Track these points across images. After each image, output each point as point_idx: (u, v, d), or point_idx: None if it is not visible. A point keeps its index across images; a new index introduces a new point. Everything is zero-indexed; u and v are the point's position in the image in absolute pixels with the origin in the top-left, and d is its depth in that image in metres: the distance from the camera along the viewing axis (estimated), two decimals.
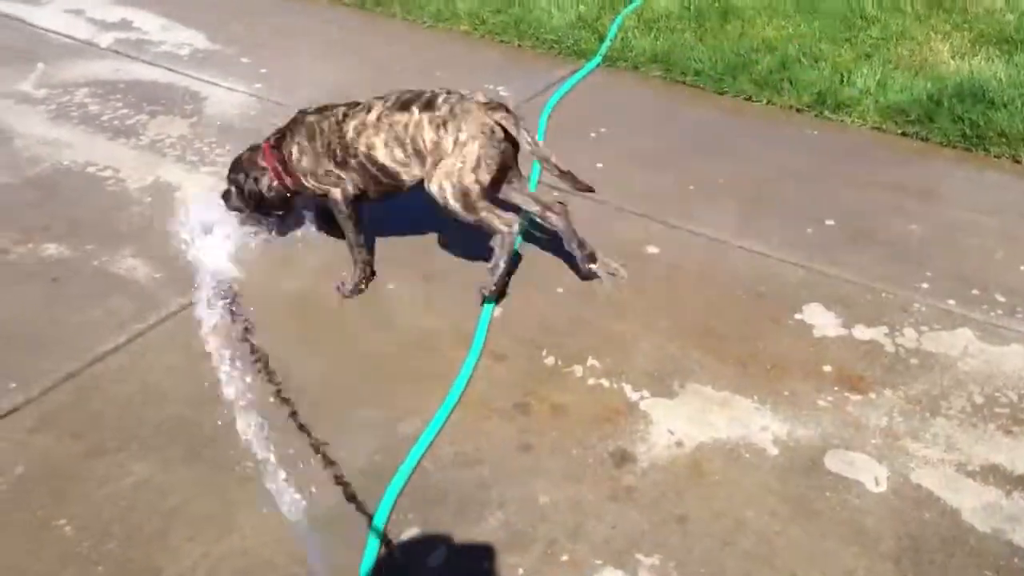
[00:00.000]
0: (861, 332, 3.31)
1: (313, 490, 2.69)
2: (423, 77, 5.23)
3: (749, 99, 4.99)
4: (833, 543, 2.55)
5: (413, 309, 3.44)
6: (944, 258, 3.69)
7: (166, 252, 3.71)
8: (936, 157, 4.46)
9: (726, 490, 2.71)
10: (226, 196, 3.76)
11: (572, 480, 2.74)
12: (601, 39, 5.54)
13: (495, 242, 3.41)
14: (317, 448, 2.83)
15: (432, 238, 3.81)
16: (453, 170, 3.28)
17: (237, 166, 3.70)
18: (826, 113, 4.81)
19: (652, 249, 3.76)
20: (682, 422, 2.95)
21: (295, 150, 3.54)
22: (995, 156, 4.41)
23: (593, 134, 4.65)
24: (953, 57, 5.19)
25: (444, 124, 3.29)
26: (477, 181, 3.30)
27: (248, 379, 3.09)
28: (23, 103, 4.90)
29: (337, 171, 3.48)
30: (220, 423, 2.92)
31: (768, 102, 4.95)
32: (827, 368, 3.16)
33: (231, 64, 5.39)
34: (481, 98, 3.35)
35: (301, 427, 2.91)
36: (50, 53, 5.51)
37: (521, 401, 3.03)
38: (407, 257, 3.71)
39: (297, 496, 2.67)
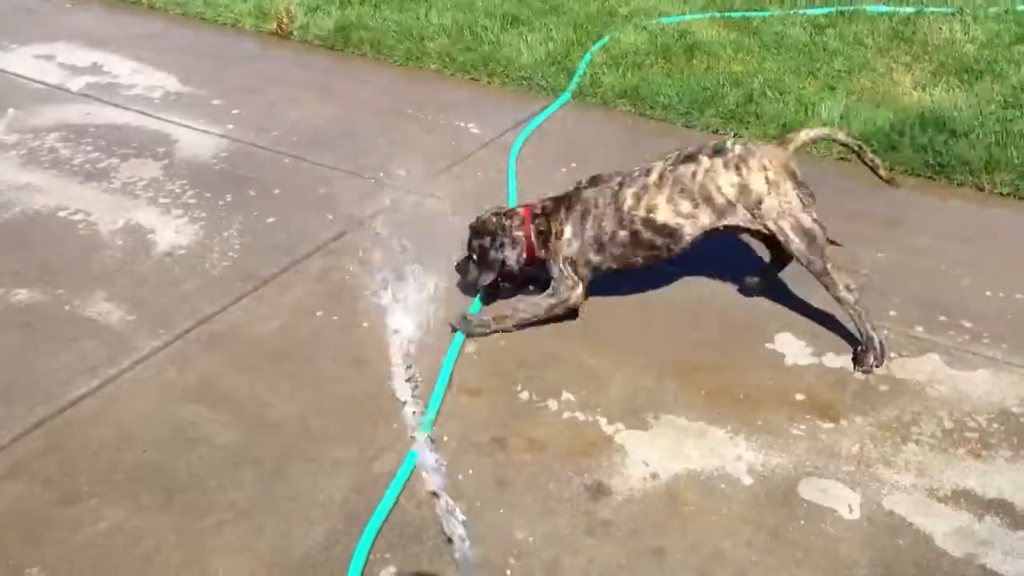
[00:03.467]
0: (831, 360, 3.35)
1: (291, 532, 2.68)
2: (394, 115, 5.29)
3: (717, 132, 5.06)
4: (808, 571, 2.56)
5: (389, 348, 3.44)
6: (911, 285, 3.75)
7: (138, 295, 3.70)
8: (901, 186, 4.51)
9: (702, 521, 2.72)
10: (465, 266, 3.61)
11: (549, 514, 2.74)
12: (570, 75, 5.62)
13: (847, 312, 3.33)
14: (293, 489, 2.82)
15: (404, 276, 3.82)
16: (784, 209, 3.24)
17: (483, 230, 3.52)
18: None
19: (624, 282, 3.80)
20: (657, 454, 2.96)
21: (569, 231, 3.42)
22: (958, 184, 4.50)
23: (564, 169, 4.69)
24: (915, 88, 5.31)
25: (742, 162, 3.25)
26: (815, 221, 3.25)
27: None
28: None
29: (595, 260, 3.43)
30: (193, 468, 2.90)
31: (735, 134, 5.03)
32: (799, 397, 3.19)
33: (203, 106, 5.41)
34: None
35: (277, 468, 2.90)
36: (20, 98, 5.50)
37: (497, 436, 3.03)
38: (381, 295, 3.72)
39: (273, 539, 2.66)
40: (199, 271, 3.87)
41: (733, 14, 6.43)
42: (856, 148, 3.55)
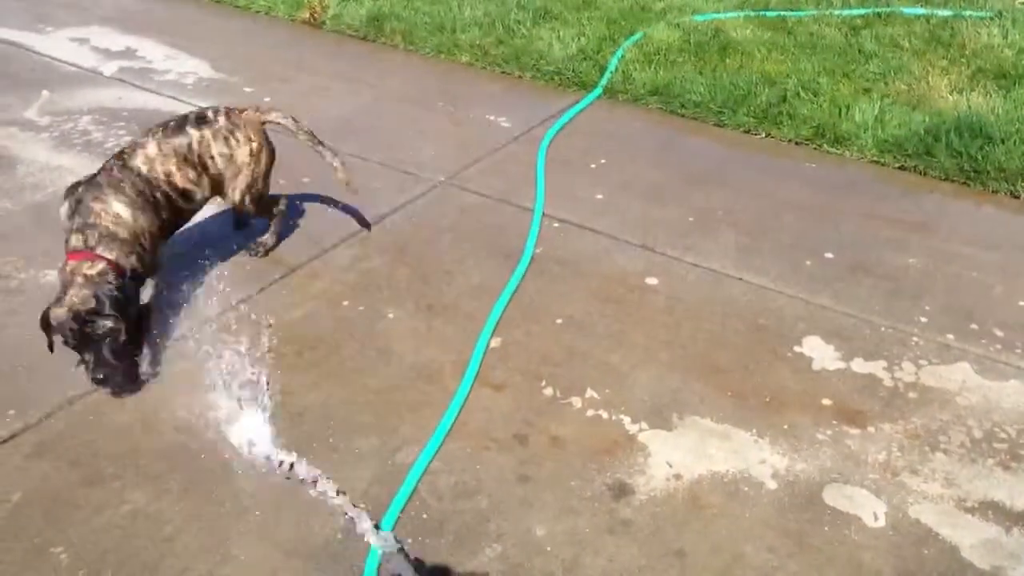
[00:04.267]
0: (860, 365, 3.31)
1: (310, 520, 2.68)
2: (425, 107, 5.29)
3: (748, 132, 5.03)
4: None
5: (414, 339, 3.44)
6: (942, 292, 3.70)
7: (166, 280, 3.71)
8: (934, 191, 4.49)
9: (724, 524, 2.70)
10: (99, 363, 3.02)
11: (570, 512, 2.73)
12: (602, 71, 5.59)
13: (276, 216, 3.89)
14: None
15: (431, 268, 3.82)
16: (254, 182, 3.66)
17: (88, 308, 2.98)
18: (825, 146, 4.85)
19: (651, 280, 3.77)
20: (681, 454, 2.94)
21: (129, 214, 3.24)
22: (993, 191, 4.44)
23: (593, 165, 4.67)
24: (951, 92, 5.24)
25: (232, 134, 3.56)
26: (267, 185, 3.75)
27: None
28: (27, 130, 4.92)
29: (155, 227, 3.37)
30: (218, 453, 2.91)
31: (767, 135, 4.99)
32: (826, 401, 3.16)
33: (235, 93, 5.42)
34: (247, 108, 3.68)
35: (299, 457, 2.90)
36: (55, 81, 5.55)
37: (520, 432, 3.02)
38: (407, 287, 3.72)
39: (293, 528, 2.66)
40: (227, 258, 3.88)
41: (768, 13, 6.38)
42: (315, 149, 3.81)
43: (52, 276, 3.71)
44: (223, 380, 2.87)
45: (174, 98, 5.34)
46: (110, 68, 5.73)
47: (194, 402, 3.10)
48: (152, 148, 3.43)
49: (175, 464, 2.87)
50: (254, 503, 2.74)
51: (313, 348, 3.39)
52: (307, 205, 4.26)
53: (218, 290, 3.65)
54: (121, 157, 3.39)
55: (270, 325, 3.46)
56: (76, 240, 3.18)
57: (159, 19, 6.60)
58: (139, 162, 3.39)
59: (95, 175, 3.36)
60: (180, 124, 3.50)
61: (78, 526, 2.65)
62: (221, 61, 5.87)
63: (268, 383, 3.11)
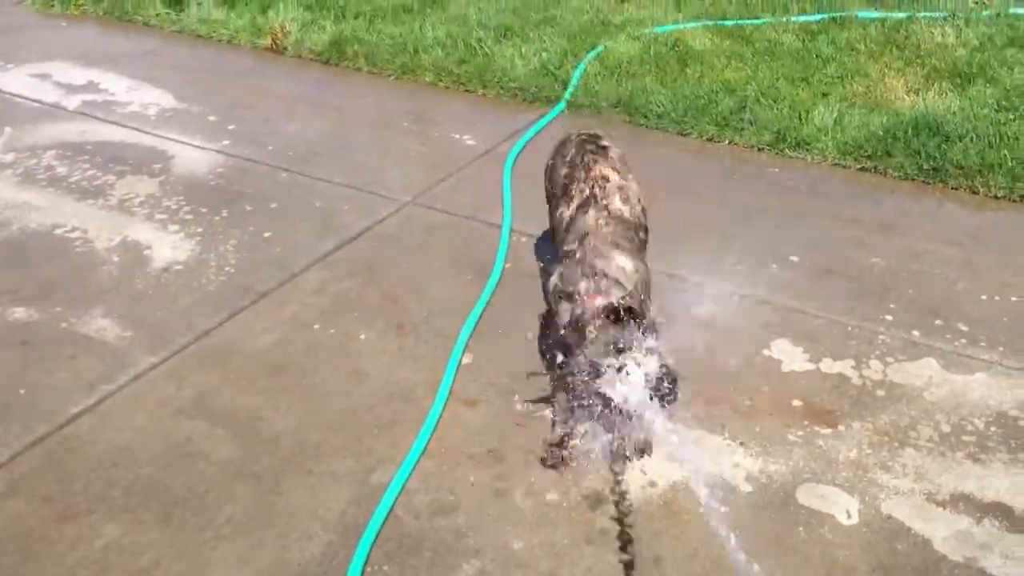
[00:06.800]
0: (828, 366, 3.35)
1: (289, 545, 2.68)
2: (390, 128, 5.31)
3: (711, 140, 5.08)
4: None
5: (386, 360, 3.44)
6: (907, 290, 3.76)
7: (135, 311, 3.70)
8: (895, 191, 4.55)
9: (700, 529, 2.72)
10: None
11: (547, 524, 2.74)
12: (565, 85, 5.63)
13: None
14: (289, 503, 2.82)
15: (401, 288, 3.83)
16: None
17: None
18: (787, 151, 4.90)
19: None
20: (655, 462, 2.96)
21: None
22: (952, 188, 4.51)
23: None
24: (908, 92, 5.32)
25: None
26: None
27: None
28: None
29: None
30: (191, 483, 2.90)
31: (730, 142, 5.05)
32: (796, 403, 3.19)
33: (199, 122, 5.42)
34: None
35: (275, 482, 2.90)
36: (17, 117, 5.52)
37: (494, 447, 3.03)
38: (377, 308, 3.72)
39: (271, 553, 2.66)
40: (196, 286, 3.87)
41: (726, 22, 6.45)
42: None
43: (20, 313, 3.70)
44: None
45: (137, 129, 5.32)
46: (73, 102, 5.71)
47: (165, 432, 3.10)
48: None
49: (149, 496, 2.86)
50: (231, 530, 2.73)
51: (285, 373, 3.38)
52: (275, 230, 4.26)
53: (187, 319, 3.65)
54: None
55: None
56: None
57: (121, 52, 6.58)
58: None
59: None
60: None
61: (53, 562, 2.64)
62: (184, 91, 5.86)
63: None
